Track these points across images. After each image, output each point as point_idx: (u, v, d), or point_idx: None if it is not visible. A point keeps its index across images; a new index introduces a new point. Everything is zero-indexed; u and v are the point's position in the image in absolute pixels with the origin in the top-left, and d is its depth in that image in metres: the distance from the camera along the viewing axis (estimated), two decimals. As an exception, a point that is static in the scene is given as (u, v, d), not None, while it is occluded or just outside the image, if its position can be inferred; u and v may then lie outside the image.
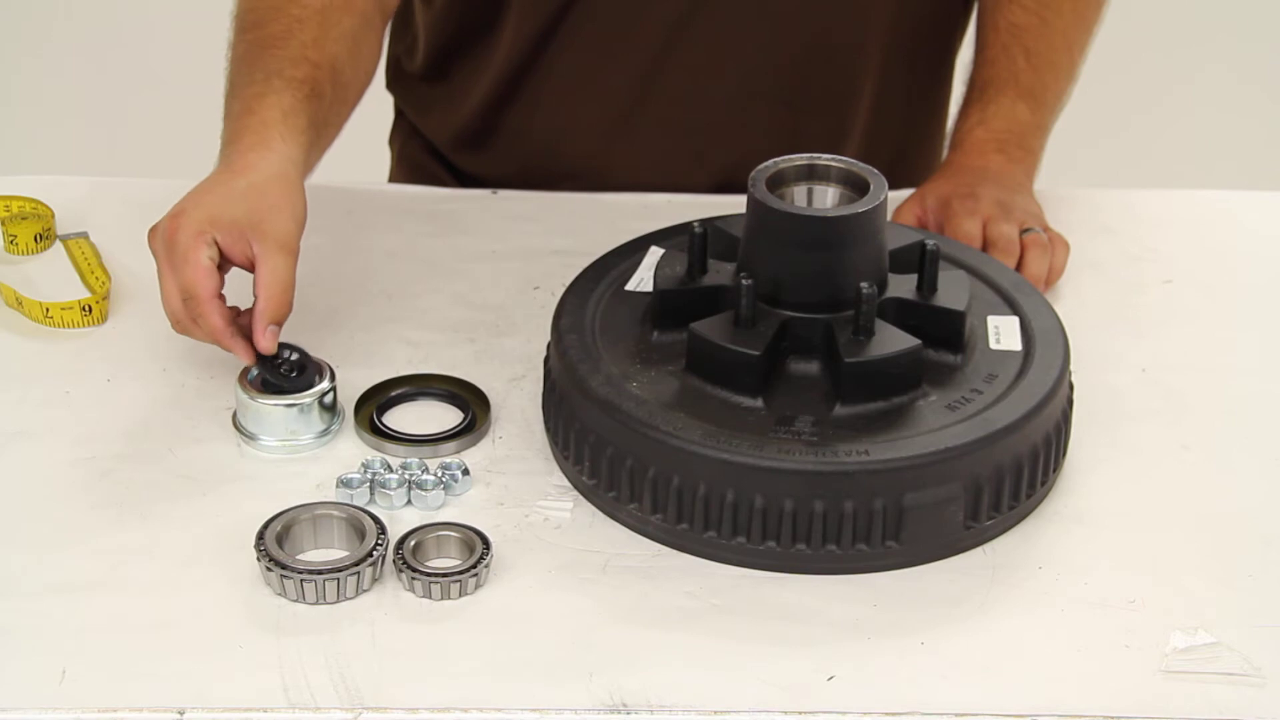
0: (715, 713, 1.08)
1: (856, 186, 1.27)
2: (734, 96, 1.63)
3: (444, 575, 1.16)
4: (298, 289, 1.29)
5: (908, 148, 1.73)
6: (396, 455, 1.28)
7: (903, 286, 1.28)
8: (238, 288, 1.29)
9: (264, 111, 1.32)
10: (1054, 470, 1.26)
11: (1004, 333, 1.29)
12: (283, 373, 1.29)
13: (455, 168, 1.74)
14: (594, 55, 1.62)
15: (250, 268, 1.28)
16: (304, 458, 1.28)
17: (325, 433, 1.29)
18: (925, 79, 1.71)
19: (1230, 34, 3.14)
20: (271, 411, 1.28)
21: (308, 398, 1.28)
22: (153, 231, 1.29)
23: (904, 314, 1.26)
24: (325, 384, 1.29)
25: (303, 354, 1.30)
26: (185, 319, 1.27)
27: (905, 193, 1.56)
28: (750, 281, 1.23)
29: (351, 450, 1.29)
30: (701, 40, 1.60)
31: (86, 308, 1.42)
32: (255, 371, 1.29)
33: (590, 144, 1.66)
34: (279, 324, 1.28)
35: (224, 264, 1.28)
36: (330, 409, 1.30)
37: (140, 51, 3.09)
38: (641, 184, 1.64)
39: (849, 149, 1.64)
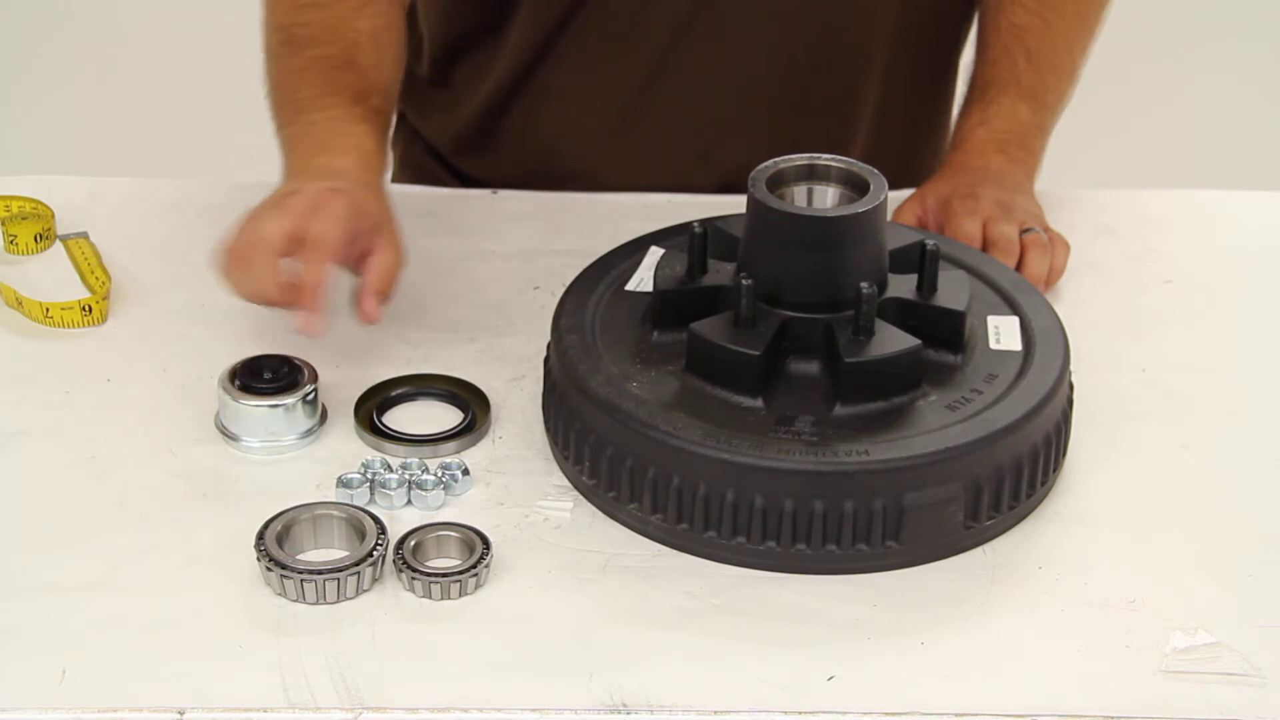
0: (715, 713, 1.08)
1: (856, 186, 1.27)
2: (738, 97, 1.63)
3: (444, 575, 1.16)
4: None
5: (912, 148, 1.72)
6: (396, 455, 1.28)
7: (903, 286, 1.28)
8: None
9: (360, 138, 1.39)
10: (1054, 470, 1.26)
11: (1004, 333, 1.29)
12: (265, 378, 1.29)
13: (458, 171, 1.74)
14: (598, 57, 1.61)
15: (345, 261, 1.31)
16: (304, 457, 1.28)
17: (308, 433, 1.29)
18: (929, 79, 1.71)
19: (1230, 35, 3.14)
20: (253, 412, 1.28)
21: (290, 398, 1.28)
22: (291, 195, 1.30)
23: (904, 314, 1.26)
24: (307, 385, 1.29)
25: (284, 358, 1.31)
26: (267, 253, 1.27)
27: (905, 193, 1.56)
28: (750, 281, 1.23)
29: (351, 450, 1.29)
30: (706, 41, 1.60)
31: (86, 308, 1.42)
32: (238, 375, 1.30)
33: (594, 146, 1.66)
34: (383, 298, 1.32)
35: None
36: (313, 409, 1.30)
37: (140, 52, 3.09)
38: (645, 185, 1.63)
39: (853, 149, 1.64)
